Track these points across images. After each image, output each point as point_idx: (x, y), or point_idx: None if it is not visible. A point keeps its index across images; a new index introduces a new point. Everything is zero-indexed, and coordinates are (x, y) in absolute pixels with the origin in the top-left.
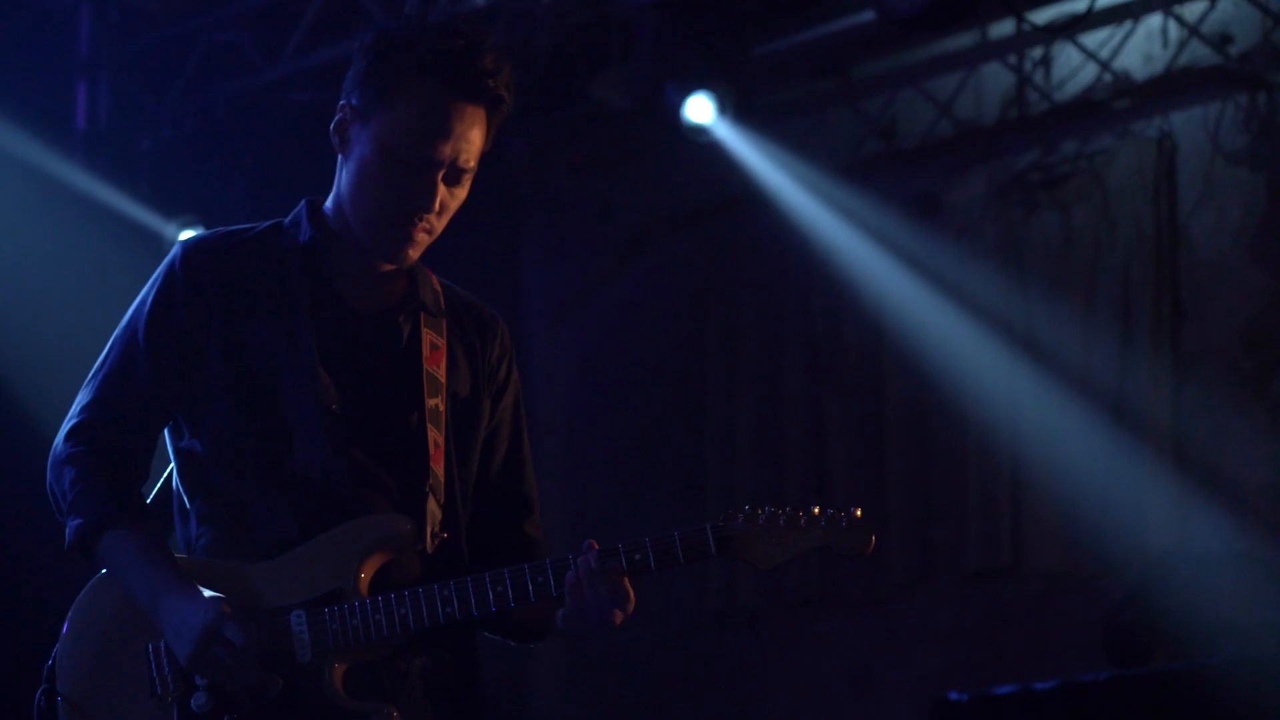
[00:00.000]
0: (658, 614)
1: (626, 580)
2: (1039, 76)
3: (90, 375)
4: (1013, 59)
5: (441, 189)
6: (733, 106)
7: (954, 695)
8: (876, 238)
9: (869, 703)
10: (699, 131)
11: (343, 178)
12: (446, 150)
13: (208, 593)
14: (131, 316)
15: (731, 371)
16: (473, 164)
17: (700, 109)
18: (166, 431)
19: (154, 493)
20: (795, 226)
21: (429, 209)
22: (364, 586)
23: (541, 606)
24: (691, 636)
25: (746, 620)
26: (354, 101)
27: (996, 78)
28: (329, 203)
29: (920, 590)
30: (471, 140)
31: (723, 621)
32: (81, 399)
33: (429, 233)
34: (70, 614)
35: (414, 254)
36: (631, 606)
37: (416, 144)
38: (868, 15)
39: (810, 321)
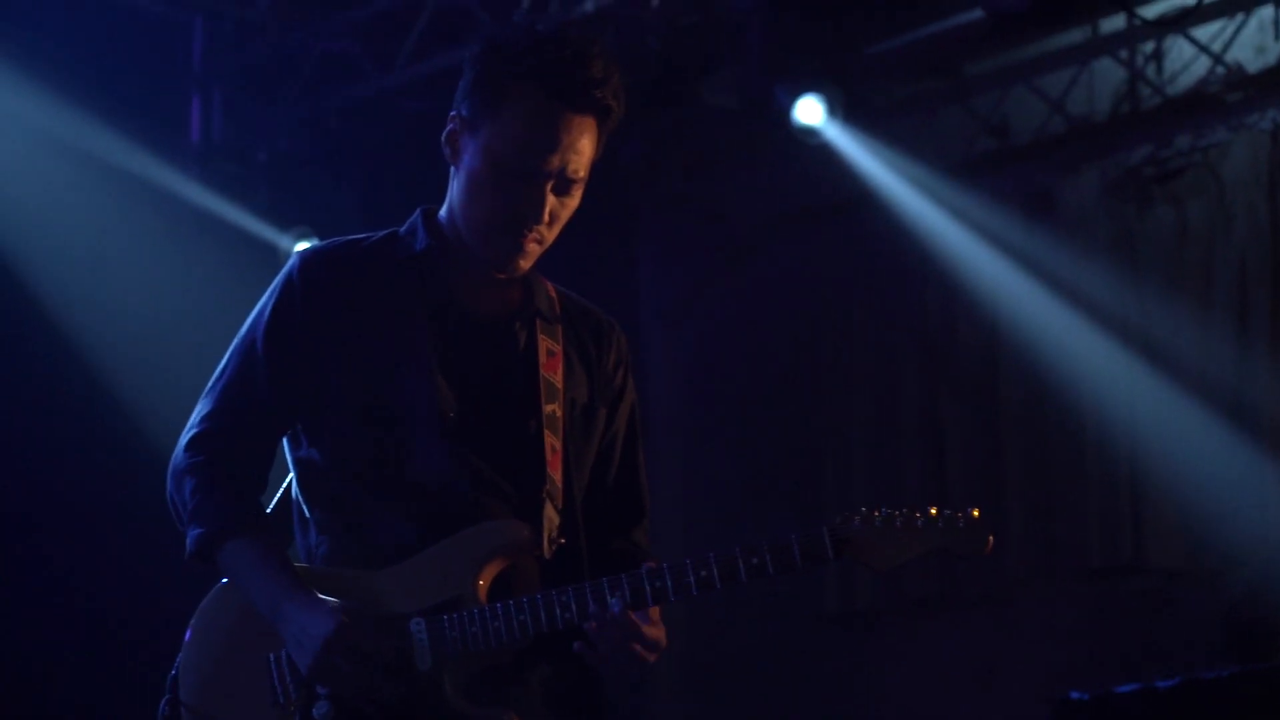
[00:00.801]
0: (777, 616)
1: (648, 627)
2: (1151, 71)
3: (209, 385)
4: (1124, 54)
5: (551, 199)
6: (842, 107)
7: (1075, 694)
8: (990, 237)
9: (989, 702)
10: (809, 133)
11: (454, 188)
12: (555, 161)
13: (328, 602)
14: (250, 326)
15: (847, 372)
16: (583, 173)
17: (810, 110)
18: (285, 440)
19: (274, 502)
20: (908, 227)
21: (538, 220)
22: (483, 593)
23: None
24: (811, 638)
25: (866, 620)
26: (463, 112)
27: (1108, 73)
28: (443, 211)
29: (1040, 588)
30: (580, 150)
31: (842, 622)
32: (201, 409)
33: (540, 243)
34: (192, 623)
35: (525, 264)
36: (654, 653)
37: (524, 155)
38: (977, 13)
39: (925, 321)
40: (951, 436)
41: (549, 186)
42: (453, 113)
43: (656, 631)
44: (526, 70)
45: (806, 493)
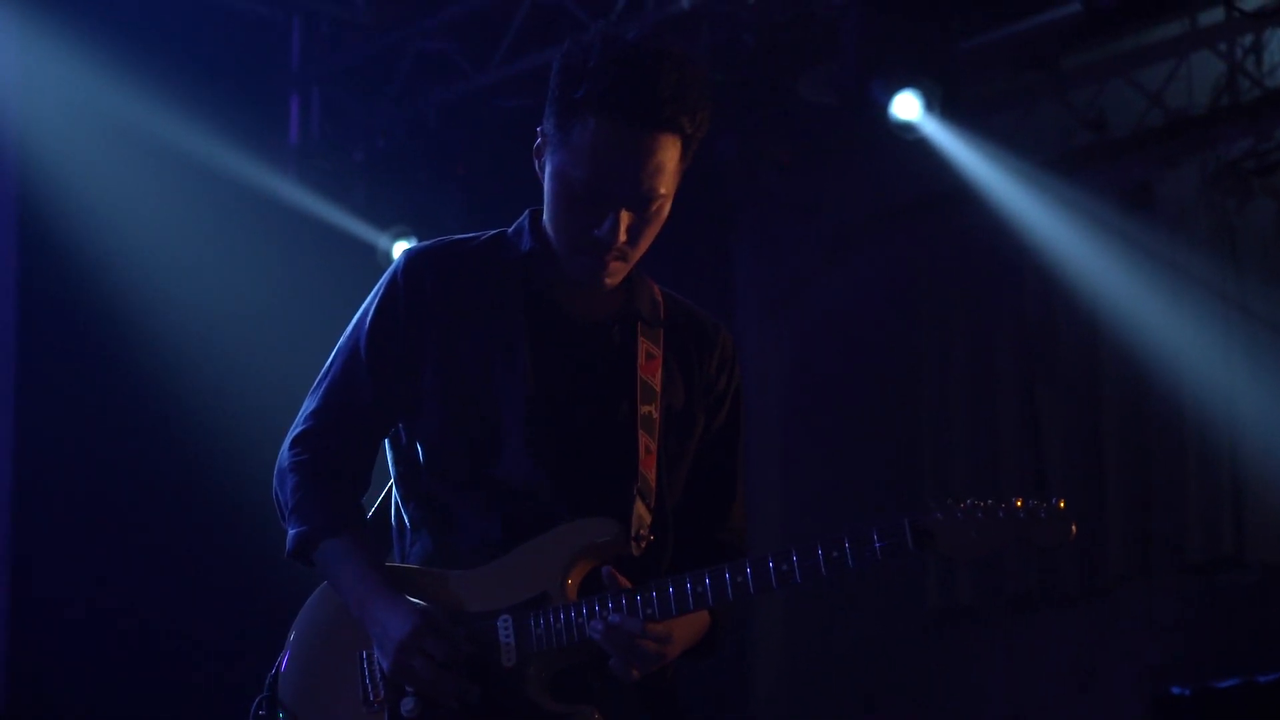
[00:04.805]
0: (878, 612)
1: (658, 631)
2: (1250, 63)
3: (315, 384)
4: (1223, 46)
5: (629, 218)
6: (940, 102)
7: (1176, 689)
8: (1089, 230)
9: (1091, 698)
10: (906, 128)
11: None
12: (626, 185)
13: (412, 602)
14: (355, 326)
15: (945, 366)
16: (663, 190)
17: (907, 106)
18: (387, 441)
19: (374, 507)
20: (1006, 221)
21: (613, 243)
22: (571, 591)
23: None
24: (912, 635)
25: (966, 616)
26: (545, 128)
27: (1207, 66)
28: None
29: (1141, 583)
30: (656, 169)
31: (943, 619)
32: (306, 407)
33: (623, 259)
34: (295, 623)
35: (611, 281)
36: (668, 656)
37: (593, 181)
38: (1074, 6)
39: (1024, 315)
40: (1050, 430)
41: (622, 208)
42: (539, 127)
43: (658, 647)
44: (592, 94)
45: (905, 487)
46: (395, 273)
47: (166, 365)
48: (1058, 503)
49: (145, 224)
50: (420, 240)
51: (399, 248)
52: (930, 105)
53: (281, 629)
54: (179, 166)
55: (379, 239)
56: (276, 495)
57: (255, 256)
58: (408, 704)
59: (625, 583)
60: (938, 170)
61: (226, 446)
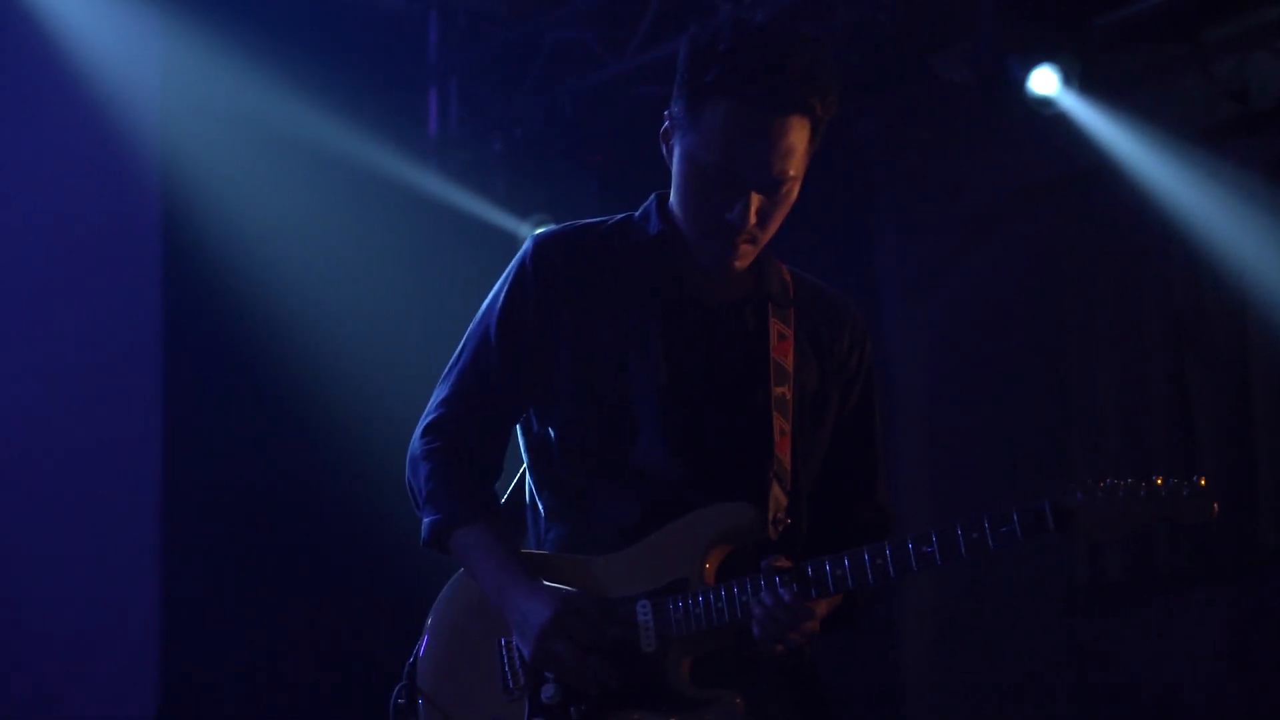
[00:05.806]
0: (1026, 592)
1: (816, 607)
2: None
3: (445, 371)
4: None
5: (758, 200)
6: (1078, 77)
7: None
8: (1234, 203)
9: (1245, 677)
10: (1045, 104)
11: (673, 183)
12: (756, 168)
13: (552, 588)
14: (484, 313)
15: (1092, 344)
16: (792, 171)
17: (1045, 81)
18: (519, 426)
19: (508, 492)
20: (1149, 195)
21: (744, 226)
22: (709, 576)
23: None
24: (1061, 613)
25: (1116, 594)
26: (674, 111)
27: None
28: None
29: None
30: (786, 151)
31: (1092, 596)
32: (437, 395)
33: (753, 242)
34: (432, 612)
35: (740, 264)
36: (812, 630)
37: (724, 164)
38: None
39: (1170, 290)
40: (1200, 406)
41: (752, 191)
42: (667, 110)
43: (814, 625)
44: (722, 77)
45: (1054, 467)
46: (524, 258)
47: (311, 359)
48: (1199, 480)
49: (287, 220)
50: None
51: (536, 233)
52: (1069, 80)
53: (421, 617)
54: (319, 161)
55: (519, 227)
56: (410, 483)
57: (398, 249)
58: (548, 690)
59: (787, 564)
60: (1079, 146)
61: (372, 436)
